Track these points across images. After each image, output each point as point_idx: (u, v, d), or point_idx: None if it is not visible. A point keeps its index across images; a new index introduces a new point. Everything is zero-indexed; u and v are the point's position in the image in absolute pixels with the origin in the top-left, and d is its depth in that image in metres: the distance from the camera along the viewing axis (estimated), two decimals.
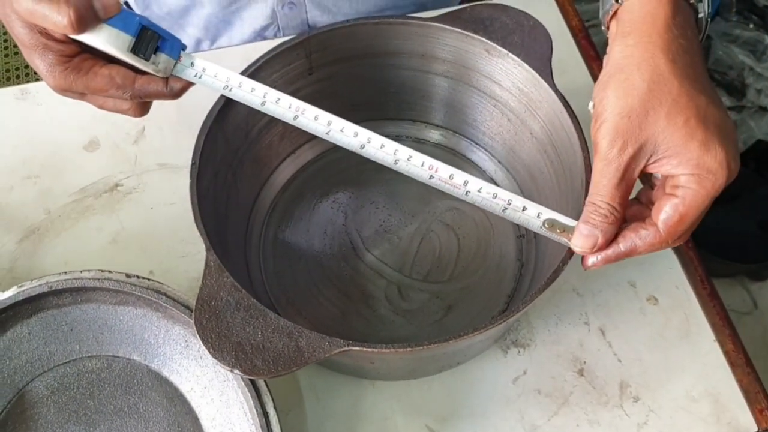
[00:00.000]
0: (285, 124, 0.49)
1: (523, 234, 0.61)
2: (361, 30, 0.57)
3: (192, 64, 0.49)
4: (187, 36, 0.80)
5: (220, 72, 0.49)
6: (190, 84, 0.49)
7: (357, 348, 0.43)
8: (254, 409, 0.47)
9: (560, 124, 0.53)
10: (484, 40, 0.54)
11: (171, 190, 0.65)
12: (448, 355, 0.53)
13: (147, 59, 0.47)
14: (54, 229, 0.64)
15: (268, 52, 0.55)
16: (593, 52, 0.72)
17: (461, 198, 0.47)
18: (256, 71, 0.54)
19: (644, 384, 0.56)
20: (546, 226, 0.46)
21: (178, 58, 0.48)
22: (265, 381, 0.49)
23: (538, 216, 0.46)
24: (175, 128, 0.69)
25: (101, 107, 0.50)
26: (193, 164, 0.50)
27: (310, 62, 0.58)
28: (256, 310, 0.44)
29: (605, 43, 0.46)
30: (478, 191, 0.46)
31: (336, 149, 0.50)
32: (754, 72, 1.28)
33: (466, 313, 0.58)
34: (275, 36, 0.78)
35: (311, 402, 0.55)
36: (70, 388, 0.52)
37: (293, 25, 0.76)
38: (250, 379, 0.48)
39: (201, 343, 0.43)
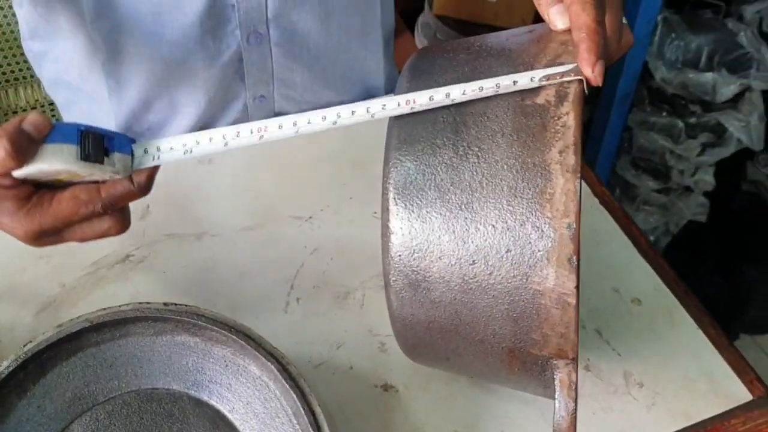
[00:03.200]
0: None
1: None
2: None
3: (146, 151, 0.47)
4: None
5: (173, 142, 0.47)
6: (154, 170, 0.48)
7: None
8: (300, 409, 0.50)
9: None
10: None
11: (181, 255, 0.69)
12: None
13: (101, 161, 0.45)
14: (70, 299, 0.66)
15: None
16: None
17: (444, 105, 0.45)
18: None
19: (645, 371, 0.61)
20: (545, 80, 0.44)
21: (131, 152, 0.47)
22: (307, 385, 0.51)
23: (531, 80, 0.44)
24: (177, 203, 0.74)
25: (83, 239, 0.48)
26: None
27: None
28: None
29: None
30: (463, 94, 0.45)
31: None
32: (675, 154, 1.42)
33: None
34: None
35: (341, 421, 0.58)
36: (112, 425, 0.53)
37: (261, 114, 0.83)
38: (294, 383, 0.51)
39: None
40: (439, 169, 0.45)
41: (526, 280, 0.43)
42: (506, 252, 0.43)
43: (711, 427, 0.58)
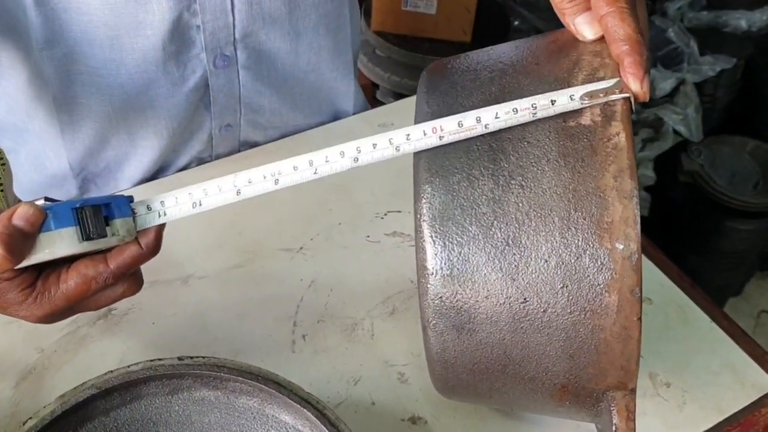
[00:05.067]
0: None
1: None
2: None
3: (149, 208, 0.44)
4: (124, 181, 0.79)
5: (178, 194, 0.44)
6: (161, 228, 0.45)
7: None
8: None
9: None
10: None
11: (168, 302, 0.64)
12: None
13: (104, 235, 0.42)
14: (53, 364, 0.60)
15: None
16: None
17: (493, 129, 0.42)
18: None
19: (670, 371, 0.61)
20: (587, 99, 0.41)
21: (132, 213, 0.44)
22: (349, 429, 0.48)
23: (571, 98, 0.41)
24: None
25: (98, 307, 0.46)
26: None
27: None
28: None
29: None
30: (496, 118, 0.42)
31: None
32: None
33: None
34: (209, 158, 0.80)
35: None
36: None
37: (226, 144, 0.80)
38: (334, 428, 0.47)
39: None
40: (479, 202, 0.42)
41: (585, 315, 0.41)
42: (561, 287, 0.41)
43: (743, 419, 0.58)
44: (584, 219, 0.40)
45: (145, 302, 0.64)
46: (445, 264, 0.42)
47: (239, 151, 0.80)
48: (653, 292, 0.66)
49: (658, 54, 1.40)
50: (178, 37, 0.67)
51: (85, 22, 0.64)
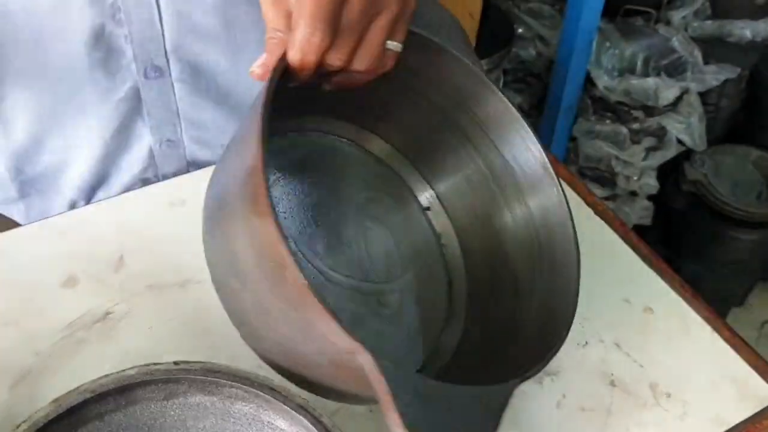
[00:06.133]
0: None
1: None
2: None
3: None
4: (62, 198, 0.77)
5: None
6: None
7: None
8: None
9: None
10: None
11: (166, 307, 0.64)
12: None
13: None
14: (49, 368, 0.60)
15: None
16: None
17: None
18: None
19: (670, 380, 0.60)
20: None
21: None
22: None
23: None
24: (153, 250, 0.68)
25: None
26: None
27: None
28: None
29: None
30: None
31: None
32: (620, 160, 1.45)
33: None
34: (155, 178, 0.77)
35: None
36: None
37: (171, 162, 0.76)
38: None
39: None
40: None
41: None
42: None
43: (744, 430, 0.57)
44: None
45: (143, 306, 0.64)
46: None
47: (187, 171, 0.77)
48: (655, 301, 0.66)
49: (662, 63, 1.40)
50: (104, 45, 0.66)
51: (9, 23, 0.63)
